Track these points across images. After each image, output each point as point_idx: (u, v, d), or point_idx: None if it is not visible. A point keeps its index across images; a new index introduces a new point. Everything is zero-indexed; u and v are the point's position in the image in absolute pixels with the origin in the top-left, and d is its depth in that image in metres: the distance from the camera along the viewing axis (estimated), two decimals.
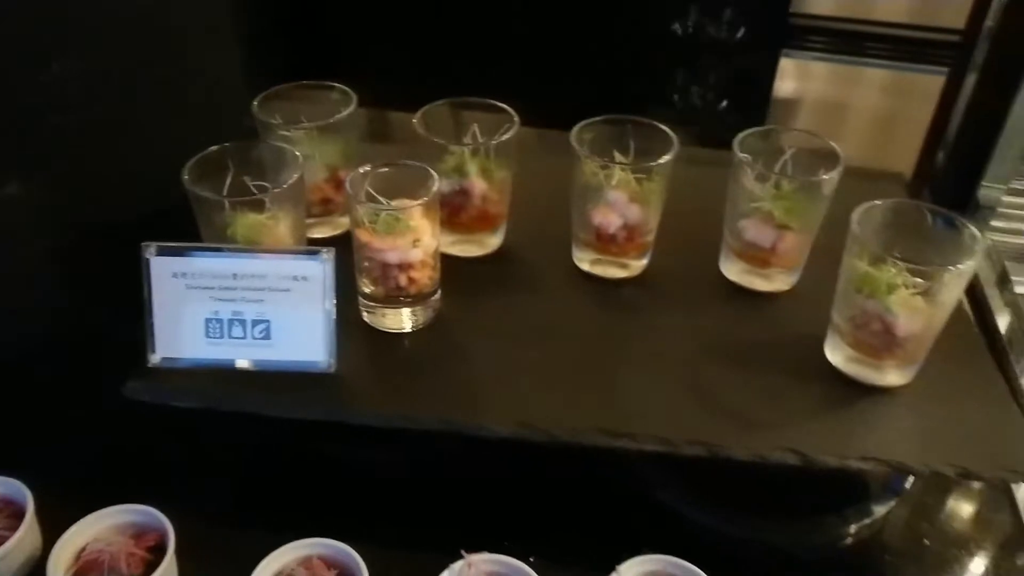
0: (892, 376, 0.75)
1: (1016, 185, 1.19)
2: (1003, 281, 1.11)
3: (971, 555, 0.78)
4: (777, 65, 1.64)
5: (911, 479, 0.85)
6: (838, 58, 1.63)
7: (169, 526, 0.72)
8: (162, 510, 0.73)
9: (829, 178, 0.79)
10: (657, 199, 0.83)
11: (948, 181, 1.17)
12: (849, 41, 1.61)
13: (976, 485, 0.85)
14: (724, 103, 1.68)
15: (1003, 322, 1.03)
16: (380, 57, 1.64)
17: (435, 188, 0.75)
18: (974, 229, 0.71)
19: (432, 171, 0.76)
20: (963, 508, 0.84)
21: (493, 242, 0.89)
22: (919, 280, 0.70)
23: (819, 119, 1.71)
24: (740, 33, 1.62)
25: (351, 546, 0.70)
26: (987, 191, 1.17)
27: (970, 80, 1.15)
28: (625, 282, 0.87)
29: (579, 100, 0.87)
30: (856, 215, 0.72)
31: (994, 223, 1.18)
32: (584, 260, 0.88)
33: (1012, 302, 1.07)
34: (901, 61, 1.60)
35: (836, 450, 0.71)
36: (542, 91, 1.11)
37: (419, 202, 0.73)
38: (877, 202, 0.74)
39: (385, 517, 0.79)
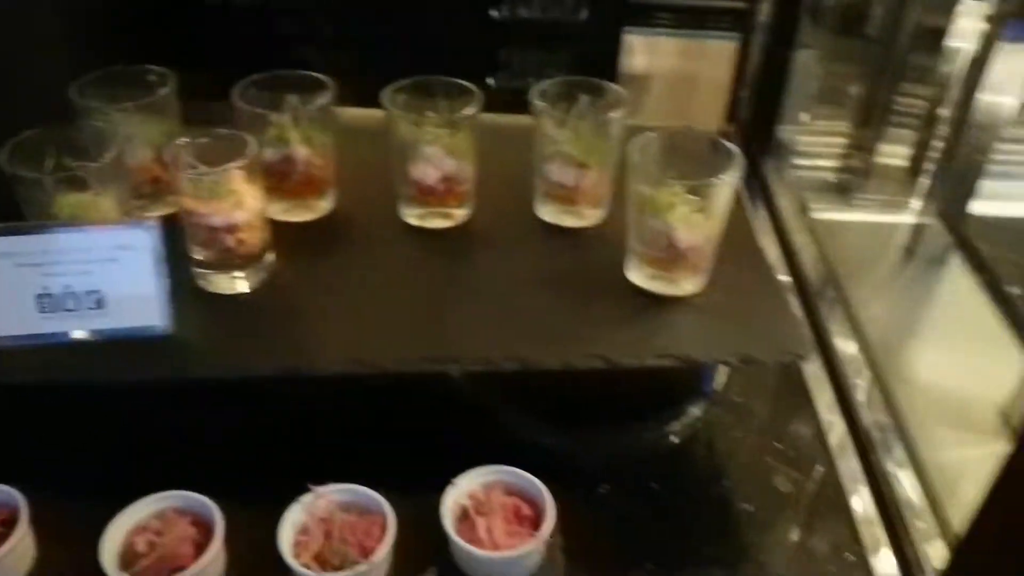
0: (685, 286, 0.85)
1: (811, 127, 1.34)
2: (803, 209, 1.24)
3: (774, 439, 0.90)
4: (619, 44, 1.74)
5: (722, 382, 0.96)
6: (681, 32, 1.75)
7: (20, 498, 0.74)
8: (12, 486, 0.75)
9: (617, 116, 0.88)
10: (469, 150, 0.90)
11: (752, 129, 1.30)
12: (689, 16, 1.73)
13: (778, 383, 0.97)
14: None
15: (802, 242, 1.17)
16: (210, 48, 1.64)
17: (252, 151, 0.79)
18: (732, 146, 0.81)
19: (249, 137, 0.80)
20: (768, 403, 0.96)
21: (323, 206, 0.94)
22: (693, 197, 0.79)
23: (668, 90, 1.82)
24: (583, 15, 1.72)
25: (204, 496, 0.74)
26: (785, 134, 1.31)
27: (758, 39, 1.30)
28: (450, 231, 0.93)
29: None
30: (634, 145, 0.81)
31: (795, 161, 1.33)
32: (411, 215, 0.94)
33: (809, 226, 1.21)
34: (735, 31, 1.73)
35: (635, 353, 0.79)
36: (383, 78, 1.16)
37: (236, 164, 0.78)
38: (651, 133, 0.83)
39: (235, 467, 0.83)
